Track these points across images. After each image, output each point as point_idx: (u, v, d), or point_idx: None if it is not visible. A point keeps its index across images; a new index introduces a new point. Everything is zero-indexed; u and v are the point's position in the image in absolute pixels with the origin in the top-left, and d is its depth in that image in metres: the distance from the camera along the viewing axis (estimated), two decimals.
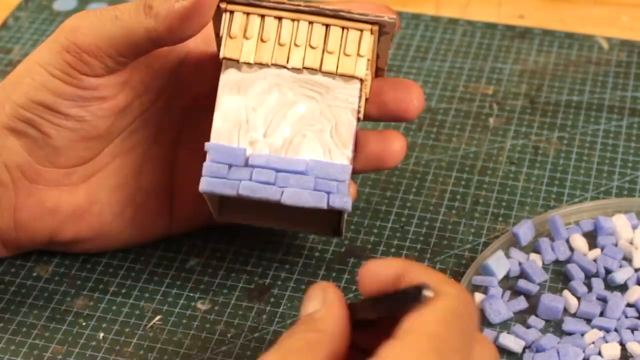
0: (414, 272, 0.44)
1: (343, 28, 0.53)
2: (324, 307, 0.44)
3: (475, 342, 0.43)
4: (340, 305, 0.44)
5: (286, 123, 0.52)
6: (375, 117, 0.57)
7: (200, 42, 0.57)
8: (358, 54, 0.53)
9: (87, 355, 0.55)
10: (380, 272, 0.44)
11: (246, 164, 0.52)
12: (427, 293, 0.41)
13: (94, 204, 0.57)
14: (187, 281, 0.59)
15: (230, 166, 0.52)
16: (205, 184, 0.52)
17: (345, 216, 0.55)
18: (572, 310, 0.56)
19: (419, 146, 0.68)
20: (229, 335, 0.56)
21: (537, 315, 0.56)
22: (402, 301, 0.42)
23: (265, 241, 0.61)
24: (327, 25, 0.53)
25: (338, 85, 0.53)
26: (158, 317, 0.57)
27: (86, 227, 0.58)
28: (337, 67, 0.53)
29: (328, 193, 0.52)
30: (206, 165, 0.52)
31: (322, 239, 0.61)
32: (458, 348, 0.41)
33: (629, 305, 0.56)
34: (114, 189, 0.58)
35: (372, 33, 0.53)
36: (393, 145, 0.56)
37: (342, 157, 0.52)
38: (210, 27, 0.55)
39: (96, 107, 0.55)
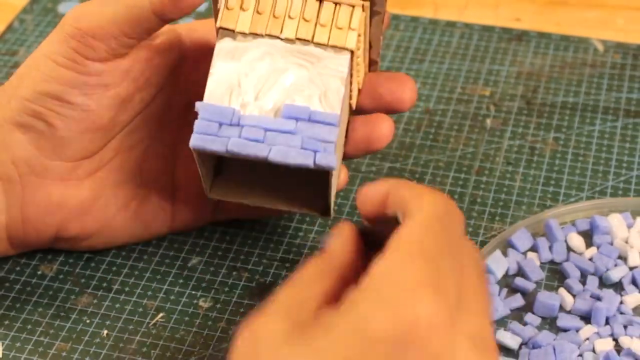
0: (396, 190, 0.45)
1: (336, 4, 0.53)
2: (338, 239, 0.45)
3: (464, 244, 0.44)
4: (349, 234, 0.45)
5: (277, 88, 0.53)
6: (369, 108, 0.57)
7: (200, 40, 0.57)
8: (349, 27, 0.53)
9: (91, 352, 0.55)
10: (372, 195, 0.46)
11: (236, 123, 0.52)
12: (400, 217, 0.42)
13: (98, 199, 0.58)
14: (189, 279, 0.59)
15: (220, 124, 0.52)
16: (195, 140, 0.51)
17: (334, 196, 0.55)
18: (568, 308, 0.56)
19: (417, 146, 0.68)
20: (230, 332, 0.56)
21: (533, 313, 0.56)
22: (389, 225, 0.43)
23: (266, 240, 0.61)
24: (321, 1, 0.53)
25: (329, 56, 0.53)
26: (161, 315, 0.57)
27: (91, 222, 0.58)
28: (329, 38, 0.53)
29: (315, 152, 0.52)
30: (197, 122, 0.52)
31: (323, 237, 0.61)
32: (445, 251, 0.41)
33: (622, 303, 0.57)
34: (117, 184, 0.58)
35: (363, 9, 0.53)
36: (380, 128, 0.57)
37: (330, 118, 0.52)
38: (209, 24, 0.55)
39: (100, 94, 0.55)
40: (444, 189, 0.64)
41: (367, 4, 0.53)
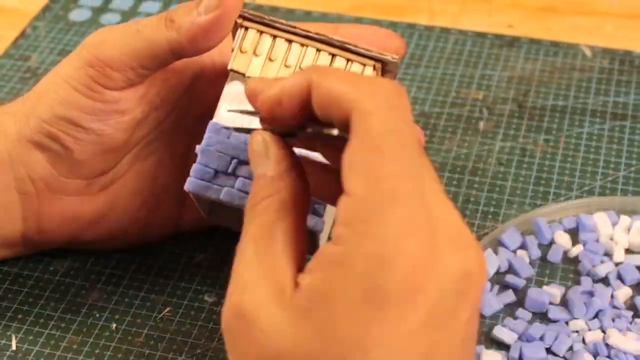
0: (321, 87, 0.41)
1: (348, 60, 0.52)
2: (270, 161, 0.43)
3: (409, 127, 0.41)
4: (288, 153, 0.43)
5: None
6: None
7: (216, 57, 0.56)
8: None
9: (100, 345, 0.55)
10: (289, 90, 0.42)
11: (232, 173, 0.52)
12: (333, 133, 0.40)
13: (111, 211, 0.57)
14: (194, 275, 0.59)
15: (216, 172, 0.52)
16: (190, 184, 0.51)
17: (324, 237, 0.53)
18: (557, 302, 0.57)
19: None
20: None
21: (524, 308, 0.56)
22: (321, 135, 0.41)
23: None
24: (333, 55, 0.52)
25: None
26: (167, 309, 0.57)
27: (104, 231, 0.58)
28: None
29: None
30: (194, 166, 0.51)
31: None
32: (396, 169, 0.39)
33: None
34: (130, 196, 0.58)
35: (374, 69, 0.52)
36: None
37: None
38: (226, 40, 0.55)
39: (116, 120, 0.54)
40: None
41: (379, 65, 0.52)
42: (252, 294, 0.40)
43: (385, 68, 0.52)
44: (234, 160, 0.51)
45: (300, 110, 0.43)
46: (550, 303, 0.56)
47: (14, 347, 0.55)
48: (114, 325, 0.56)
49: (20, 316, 0.57)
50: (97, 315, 0.57)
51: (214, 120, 0.52)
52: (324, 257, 0.39)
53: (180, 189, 0.58)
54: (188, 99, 0.57)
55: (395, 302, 0.38)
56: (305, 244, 0.43)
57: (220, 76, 0.55)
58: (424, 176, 0.40)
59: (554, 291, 0.57)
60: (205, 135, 0.52)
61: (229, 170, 0.51)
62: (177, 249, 0.61)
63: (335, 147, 0.42)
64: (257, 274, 0.40)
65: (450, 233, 0.39)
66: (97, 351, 0.55)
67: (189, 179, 0.51)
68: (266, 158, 0.43)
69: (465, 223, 0.41)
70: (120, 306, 0.57)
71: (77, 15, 0.81)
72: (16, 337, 0.56)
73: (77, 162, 0.55)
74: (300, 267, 0.41)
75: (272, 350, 0.39)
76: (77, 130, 0.54)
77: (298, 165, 0.44)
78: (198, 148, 0.52)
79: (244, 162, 0.51)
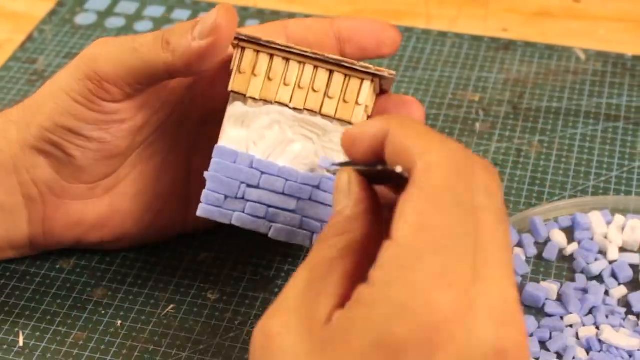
0: (398, 135, 0.40)
1: (345, 75, 0.52)
2: (350, 200, 0.42)
3: (481, 202, 0.38)
4: (368, 196, 0.42)
5: (283, 159, 0.52)
6: None
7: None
8: (356, 102, 0.52)
9: (106, 341, 0.55)
10: (365, 135, 0.42)
11: (241, 197, 0.52)
12: (401, 173, 0.39)
13: (116, 213, 0.57)
14: (198, 273, 0.59)
15: (226, 197, 0.52)
16: (202, 211, 0.52)
17: None
18: (554, 297, 0.56)
19: None
20: (236, 322, 0.56)
21: (521, 303, 0.56)
22: (388, 175, 0.40)
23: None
24: (331, 72, 0.52)
25: (335, 129, 0.52)
26: (171, 306, 0.57)
27: (109, 233, 0.58)
28: (336, 111, 0.52)
29: (313, 233, 0.52)
30: (205, 192, 0.52)
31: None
32: (456, 221, 0.37)
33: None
34: (134, 198, 0.57)
35: (372, 82, 0.52)
36: (413, 112, 0.55)
37: (330, 200, 0.51)
38: None
39: (116, 128, 0.54)
40: None
41: (377, 79, 0.52)
42: (286, 318, 0.39)
43: (382, 82, 0.52)
44: (243, 185, 0.52)
45: (372, 152, 0.42)
46: (547, 298, 0.56)
47: (21, 343, 0.55)
48: (119, 321, 0.56)
49: (27, 313, 0.57)
50: (103, 312, 0.57)
51: (220, 144, 0.52)
52: (355, 296, 0.38)
53: (185, 189, 0.58)
54: (188, 100, 0.57)
55: (412, 354, 0.36)
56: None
57: (220, 76, 0.55)
58: (483, 238, 0.38)
59: (551, 286, 0.57)
60: (212, 161, 0.52)
61: (238, 195, 0.52)
62: (180, 247, 0.60)
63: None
64: (299, 301, 0.40)
65: (493, 303, 0.37)
66: (102, 347, 0.55)
67: (200, 205, 0.52)
68: (347, 197, 0.42)
69: (519, 303, 0.38)
70: (125, 303, 0.57)
71: (83, 19, 0.81)
72: (23, 334, 0.56)
73: (80, 168, 0.55)
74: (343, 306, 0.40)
75: None
76: (78, 139, 0.54)
77: (377, 210, 0.42)
78: (206, 174, 0.52)
79: (252, 186, 0.52)
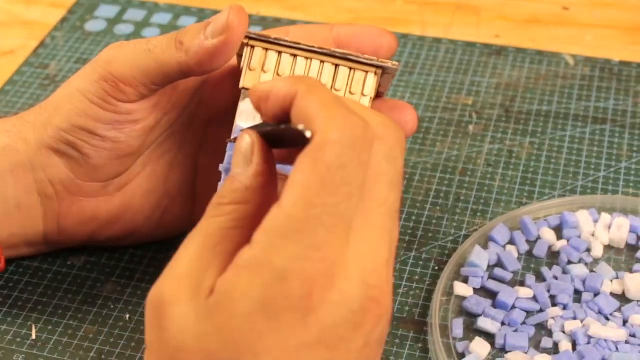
0: (305, 100, 0.40)
1: (350, 69, 0.52)
2: (250, 169, 0.42)
3: (377, 168, 0.40)
4: (268, 168, 0.42)
5: None
6: None
7: None
8: (362, 94, 0.52)
9: (115, 335, 0.55)
10: (276, 93, 0.41)
11: None
12: (306, 134, 0.39)
13: (127, 210, 0.57)
14: None
15: None
16: None
17: None
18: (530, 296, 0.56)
19: (407, 150, 0.67)
20: None
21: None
22: (293, 135, 0.40)
23: None
24: (337, 65, 0.52)
25: None
26: None
27: (120, 230, 0.58)
28: None
29: None
30: (220, 185, 0.51)
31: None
32: (330, 202, 0.38)
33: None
34: (144, 195, 0.57)
35: (375, 74, 0.52)
36: (407, 116, 0.55)
37: None
38: None
39: (130, 128, 0.54)
40: (431, 188, 0.64)
41: (380, 70, 0.52)
42: (176, 286, 0.40)
43: (385, 72, 0.52)
44: None
45: (281, 111, 0.42)
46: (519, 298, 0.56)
47: (34, 337, 0.55)
48: (128, 315, 0.56)
49: (40, 307, 0.57)
50: (112, 306, 0.57)
51: (234, 137, 0.52)
52: (237, 258, 0.39)
53: (192, 188, 0.58)
54: (197, 102, 0.57)
55: (289, 317, 0.38)
56: None
57: (227, 78, 0.55)
58: (370, 204, 0.40)
59: (524, 292, 0.56)
60: (227, 155, 0.52)
61: None
62: None
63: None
64: (190, 269, 0.40)
65: (365, 266, 0.39)
66: (111, 340, 0.55)
67: None
68: (248, 164, 0.42)
69: (393, 266, 0.41)
70: (133, 298, 0.57)
71: (93, 26, 0.81)
72: (36, 327, 0.56)
73: (94, 167, 0.55)
74: None
75: (176, 342, 0.39)
76: (94, 138, 0.54)
77: (273, 182, 0.43)
78: (221, 167, 0.52)
79: None
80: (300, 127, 0.39)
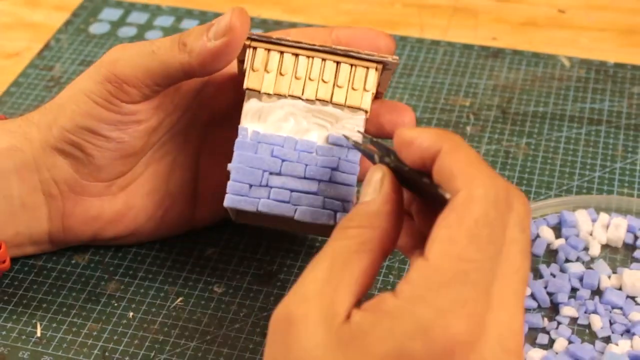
0: (449, 159, 0.40)
1: (352, 65, 0.52)
2: (379, 197, 0.42)
3: (512, 236, 0.39)
4: (396, 198, 0.41)
5: None
6: (373, 135, 0.56)
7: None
8: (364, 89, 0.52)
9: (118, 332, 0.55)
10: (420, 144, 0.41)
11: (265, 184, 0.51)
12: (446, 195, 0.39)
13: (130, 209, 0.57)
14: (205, 268, 0.59)
15: (250, 186, 0.51)
16: (229, 201, 0.51)
17: None
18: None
19: None
20: (241, 314, 0.56)
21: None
22: (431, 190, 0.40)
23: (273, 232, 0.61)
24: (338, 63, 0.52)
25: (346, 116, 0.52)
26: (180, 299, 0.57)
27: (123, 229, 0.58)
28: (346, 99, 0.52)
29: (335, 212, 0.52)
30: (230, 183, 0.51)
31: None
32: (485, 253, 0.38)
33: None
34: (146, 195, 0.57)
35: (376, 70, 0.52)
36: (404, 118, 0.55)
37: (349, 180, 0.52)
38: None
39: (133, 129, 0.54)
40: None
41: (381, 66, 0.52)
42: (306, 306, 0.39)
43: (385, 67, 0.52)
44: (265, 173, 0.51)
45: (420, 160, 0.42)
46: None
47: (39, 334, 0.55)
48: (131, 313, 0.56)
49: (44, 305, 0.57)
50: (115, 304, 0.57)
51: (240, 138, 0.52)
52: (380, 303, 0.38)
53: (193, 187, 0.58)
54: (198, 103, 0.57)
55: None
56: (371, 286, 0.41)
57: (228, 80, 0.55)
58: (506, 270, 0.39)
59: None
60: (235, 153, 0.52)
61: (262, 183, 0.51)
62: (189, 243, 0.60)
63: (428, 210, 0.41)
64: (320, 291, 0.39)
65: (502, 331, 0.38)
66: (115, 337, 0.55)
67: (227, 196, 0.51)
68: (377, 192, 0.42)
69: (523, 334, 0.40)
70: (136, 296, 0.57)
71: (97, 28, 0.81)
72: (41, 325, 0.56)
73: (98, 167, 0.55)
74: (358, 302, 0.40)
75: None
76: (98, 139, 0.54)
77: (400, 212, 0.42)
78: (230, 166, 0.52)
79: (274, 173, 0.52)
80: (440, 190, 0.39)
